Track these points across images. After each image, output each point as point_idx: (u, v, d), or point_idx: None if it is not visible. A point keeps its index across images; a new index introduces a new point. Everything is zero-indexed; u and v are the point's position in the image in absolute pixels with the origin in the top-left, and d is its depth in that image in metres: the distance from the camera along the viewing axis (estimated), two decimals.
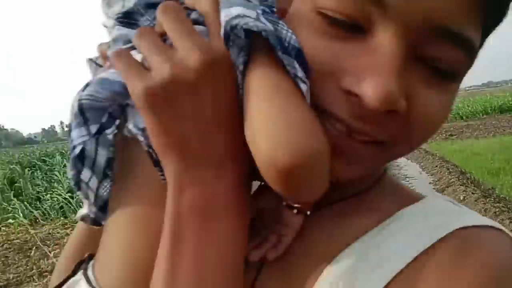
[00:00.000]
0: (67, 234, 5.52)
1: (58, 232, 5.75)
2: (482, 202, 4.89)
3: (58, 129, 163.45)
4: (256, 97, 0.34)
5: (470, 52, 0.35)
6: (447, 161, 7.52)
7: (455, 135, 13.00)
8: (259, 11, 0.35)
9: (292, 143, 0.31)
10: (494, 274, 0.36)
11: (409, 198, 0.45)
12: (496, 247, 0.39)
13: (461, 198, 5.29)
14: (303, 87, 0.33)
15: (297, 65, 0.33)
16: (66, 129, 0.54)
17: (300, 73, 0.33)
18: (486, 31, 0.38)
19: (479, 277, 0.36)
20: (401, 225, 0.41)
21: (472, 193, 5.37)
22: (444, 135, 13.01)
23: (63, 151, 12.45)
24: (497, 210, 4.49)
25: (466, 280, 0.36)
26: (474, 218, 0.41)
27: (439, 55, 0.34)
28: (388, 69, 0.32)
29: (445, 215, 0.42)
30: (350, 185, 0.42)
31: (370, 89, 0.32)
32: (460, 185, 5.92)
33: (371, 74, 0.32)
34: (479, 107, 20.94)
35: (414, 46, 0.34)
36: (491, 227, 0.40)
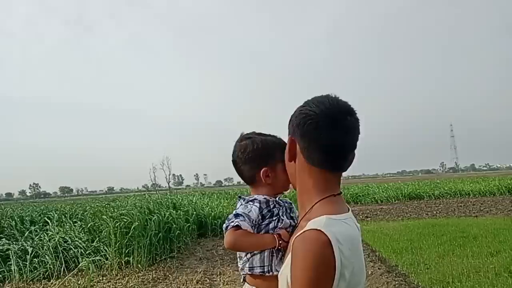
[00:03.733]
0: None
1: None
2: (385, 276, 5.56)
3: None
4: None
5: None
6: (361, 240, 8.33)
7: (370, 217, 14.28)
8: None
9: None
10: (303, 250, 0.90)
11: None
12: (310, 238, 0.91)
13: (369, 272, 5.95)
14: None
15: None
16: None
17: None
18: None
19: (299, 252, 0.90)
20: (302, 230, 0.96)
21: (379, 268, 6.07)
22: (361, 216, 14.29)
23: None
24: (396, 283, 5.16)
25: (295, 257, 0.90)
26: (314, 225, 0.93)
27: None
28: None
29: (309, 225, 0.95)
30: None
31: None
32: (370, 261, 6.63)
33: None
34: (392, 193, 23.18)
35: None
36: (314, 229, 0.91)
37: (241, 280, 1.41)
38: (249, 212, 1.31)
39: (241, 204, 1.38)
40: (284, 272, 0.98)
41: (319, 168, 1.04)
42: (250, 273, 1.33)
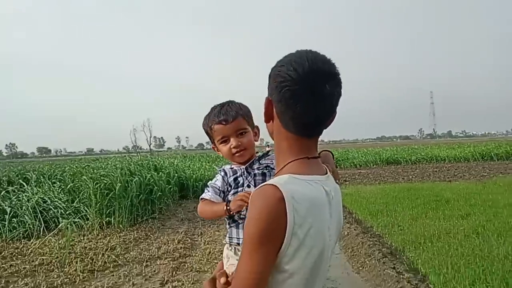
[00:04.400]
0: None
1: None
2: (361, 237, 5.78)
3: None
4: None
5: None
6: None
7: (348, 181, 14.63)
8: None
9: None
10: (256, 204, 0.92)
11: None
12: (265, 193, 0.92)
13: (345, 233, 6.17)
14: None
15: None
16: None
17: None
18: None
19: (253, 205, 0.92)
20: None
21: (354, 229, 6.29)
22: (339, 180, 14.57)
23: None
24: (371, 243, 5.37)
25: (250, 210, 0.93)
26: (273, 181, 0.93)
27: None
28: None
29: (272, 180, 0.95)
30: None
31: None
32: (347, 222, 6.86)
33: None
34: (370, 158, 23.71)
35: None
36: (270, 184, 0.92)
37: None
38: (215, 182, 1.46)
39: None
40: (244, 226, 0.98)
41: (294, 135, 1.03)
42: (229, 242, 1.40)
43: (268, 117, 1.07)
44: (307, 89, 0.95)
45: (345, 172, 18.37)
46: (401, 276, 4.18)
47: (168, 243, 6.10)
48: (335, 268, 4.78)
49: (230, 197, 1.40)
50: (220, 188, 1.43)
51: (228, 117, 1.39)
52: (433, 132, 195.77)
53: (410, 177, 15.09)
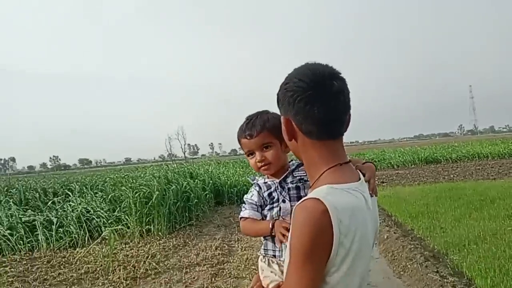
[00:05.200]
0: (5, 272, 5.44)
1: None
2: (401, 240, 5.62)
3: None
4: None
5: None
6: (377, 205, 8.36)
7: (386, 182, 14.26)
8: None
9: None
10: (301, 219, 0.92)
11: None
12: (308, 207, 0.93)
13: (385, 237, 6.01)
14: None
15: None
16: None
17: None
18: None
19: (297, 220, 0.92)
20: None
21: (394, 232, 6.12)
22: (376, 182, 14.23)
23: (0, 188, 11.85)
24: (412, 246, 5.21)
25: (294, 224, 0.93)
26: (314, 194, 0.95)
27: None
28: None
29: (310, 194, 0.97)
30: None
31: None
32: (386, 225, 6.69)
33: None
34: (408, 157, 22.99)
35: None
36: (313, 198, 0.93)
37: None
38: (251, 197, 1.46)
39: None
40: (289, 241, 1.00)
41: (320, 140, 1.06)
42: (264, 254, 1.42)
43: (290, 135, 1.10)
44: (319, 91, 1.01)
45: (382, 173, 17.92)
46: (445, 280, 4.03)
47: (206, 250, 6.19)
48: (375, 273, 4.67)
49: (266, 212, 1.41)
50: (257, 203, 1.43)
51: (252, 132, 1.41)
52: (474, 128, 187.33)
53: (451, 176, 14.51)
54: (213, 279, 4.83)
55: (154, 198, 7.50)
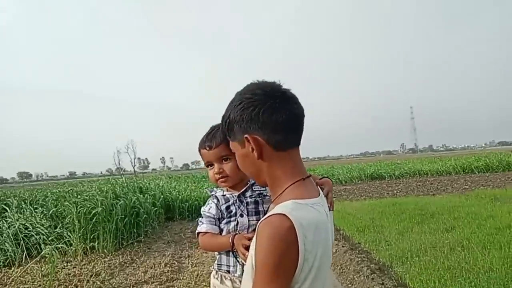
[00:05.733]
0: None
1: None
2: (349, 254, 5.80)
3: None
4: None
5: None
6: None
7: (335, 197, 14.66)
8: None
9: None
10: (266, 234, 0.91)
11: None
12: (274, 222, 0.92)
13: (334, 250, 6.17)
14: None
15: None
16: None
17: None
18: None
19: (263, 236, 0.91)
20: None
21: (342, 246, 6.31)
22: (333, 209, 14.64)
23: None
24: (359, 259, 5.39)
25: (259, 240, 0.92)
26: (279, 210, 0.94)
27: None
28: None
29: (275, 209, 0.96)
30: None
31: None
32: (335, 239, 6.86)
33: None
34: (355, 173, 23.93)
35: None
36: (279, 213, 0.93)
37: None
38: (209, 210, 1.43)
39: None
40: (251, 254, 0.99)
41: (286, 151, 1.06)
42: (217, 269, 1.39)
43: (259, 154, 1.05)
44: (278, 99, 1.03)
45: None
46: None
47: (155, 267, 5.98)
48: None
49: (222, 226, 1.39)
50: (215, 216, 1.41)
51: (211, 144, 1.39)
52: (415, 146, 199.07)
53: (395, 191, 15.27)
54: None
55: (99, 213, 7.16)
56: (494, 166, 23.05)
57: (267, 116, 1.01)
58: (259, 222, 0.96)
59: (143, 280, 5.34)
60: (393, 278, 4.68)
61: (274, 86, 1.06)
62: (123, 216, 7.68)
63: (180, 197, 11.64)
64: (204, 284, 5.03)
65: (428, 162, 28.80)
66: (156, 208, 9.82)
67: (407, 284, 4.42)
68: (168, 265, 6.03)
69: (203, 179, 21.39)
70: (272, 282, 0.89)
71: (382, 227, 7.59)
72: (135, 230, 8.15)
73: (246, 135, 1.04)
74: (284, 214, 0.91)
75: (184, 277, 5.42)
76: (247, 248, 1.22)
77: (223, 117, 1.11)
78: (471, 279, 4.26)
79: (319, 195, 1.09)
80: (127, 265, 6.25)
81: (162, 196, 10.95)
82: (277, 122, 1.02)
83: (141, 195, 9.33)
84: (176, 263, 6.24)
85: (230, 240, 1.32)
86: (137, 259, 6.57)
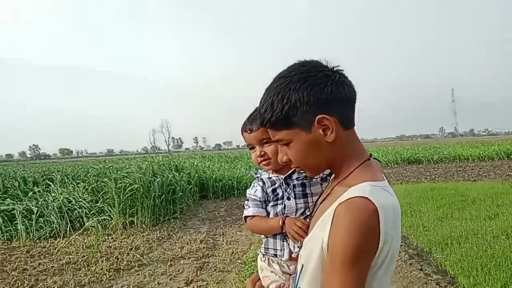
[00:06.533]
0: None
1: None
2: None
3: None
4: None
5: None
6: None
7: None
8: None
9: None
10: (350, 218, 0.85)
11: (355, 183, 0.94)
12: (357, 206, 0.87)
13: None
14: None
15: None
16: None
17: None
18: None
19: (345, 219, 0.86)
20: (341, 197, 0.92)
21: None
22: None
23: None
24: None
25: (340, 224, 0.86)
26: (359, 193, 0.88)
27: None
28: None
29: (352, 192, 0.90)
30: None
31: None
32: None
33: None
34: (391, 157, 23.33)
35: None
36: (361, 196, 0.87)
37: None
38: (255, 193, 1.39)
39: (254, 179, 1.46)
40: (319, 236, 0.93)
41: (352, 128, 1.01)
42: (264, 253, 1.37)
43: (335, 134, 0.96)
44: (336, 73, 0.97)
45: None
46: (429, 278, 4.09)
47: (190, 243, 6.13)
48: None
49: (269, 209, 1.36)
50: (261, 199, 1.37)
51: (252, 126, 1.34)
52: (454, 130, 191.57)
53: (433, 176, 14.78)
54: (198, 272, 4.79)
55: (137, 190, 7.39)
56: None
57: (339, 92, 0.95)
58: (337, 205, 0.90)
59: (180, 255, 5.49)
60: (432, 264, 4.55)
61: (322, 64, 0.98)
62: (160, 193, 7.91)
63: (214, 176, 11.81)
64: (239, 261, 5.11)
65: (469, 146, 27.61)
66: (191, 186, 10.05)
67: (447, 270, 4.28)
68: (204, 242, 6.16)
69: (236, 160, 21.57)
70: (354, 267, 0.85)
71: (420, 212, 7.38)
72: (171, 206, 8.38)
73: (320, 116, 0.94)
74: (366, 197, 0.87)
75: (219, 254, 5.52)
76: (302, 229, 1.18)
77: (271, 103, 0.97)
78: None
79: (384, 178, 1.01)
80: (164, 240, 6.44)
81: (196, 175, 11.17)
82: (347, 97, 0.97)
83: (177, 173, 9.54)
84: (211, 240, 6.37)
85: (280, 223, 1.27)
86: (173, 235, 6.76)
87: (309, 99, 0.93)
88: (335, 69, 0.98)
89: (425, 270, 4.32)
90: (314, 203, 1.24)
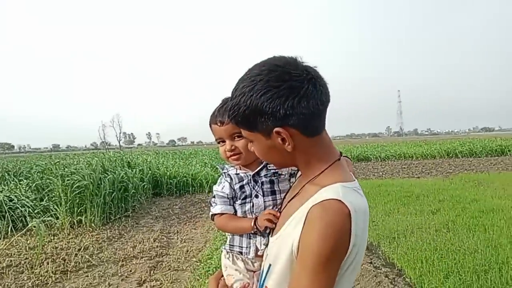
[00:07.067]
0: None
1: None
2: None
3: None
4: None
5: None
6: None
7: None
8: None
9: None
10: (325, 222, 0.85)
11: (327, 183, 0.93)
12: (331, 209, 0.87)
13: None
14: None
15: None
16: None
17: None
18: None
19: (319, 222, 0.86)
20: (313, 198, 0.91)
21: None
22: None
23: None
24: None
25: (314, 226, 0.86)
26: (332, 195, 0.88)
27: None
28: None
29: (325, 193, 0.90)
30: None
31: None
32: None
33: None
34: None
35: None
36: (335, 199, 0.87)
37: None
38: (223, 189, 1.33)
39: (220, 175, 1.40)
40: (289, 236, 0.93)
41: (318, 135, 0.98)
42: (228, 250, 1.33)
43: (293, 146, 0.95)
44: (308, 81, 0.91)
45: None
46: (379, 270, 4.28)
47: (143, 242, 5.97)
48: None
49: (237, 207, 1.31)
50: (228, 196, 1.32)
51: (223, 119, 1.27)
52: (400, 130, 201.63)
53: (381, 173, 15.48)
54: (151, 271, 4.67)
55: (87, 187, 7.07)
56: (478, 151, 23.55)
57: (301, 107, 0.90)
58: (310, 205, 0.90)
59: (132, 255, 5.32)
60: (381, 257, 4.77)
61: (298, 66, 0.92)
62: (111, 191, 7.62)
63: (168, 173, 11.58)
64: (194, 260, 5.05)
65: (413, 145, 29.21)
66: (144, 183, 9.78)
67: (395, 263, 4.50)
68: (157, 241, 6.02)
69: (191, 156, 21.30)
70: (326, 269, 0.85)
71: (369, 208, 7.67)
72: (123, 204, 8.11)
73: (277, 129, 0.92)
74: (339, 200, 0.87)
75: (174, 253, 5.42)
76: (272, 219, 1.14)
77: (237, 103, 0.94)
78: (457, 260, 4.36)
79: (354, 179, 1.02)
80: (115, 239, 6.22)
81: (150, 172, 10.89)
82: (310, 111, 0.91)
83: (130, 170, 9.25)
84: (165, 238, 6.24)
85: (252, 224, 1.23)
86: (125, 234, 6.54)
87: (268, 111, 0.90)
88: (308, 76, 0.91)
89: (375, 263, 4.51)
90: (282, 200, 1.23)
